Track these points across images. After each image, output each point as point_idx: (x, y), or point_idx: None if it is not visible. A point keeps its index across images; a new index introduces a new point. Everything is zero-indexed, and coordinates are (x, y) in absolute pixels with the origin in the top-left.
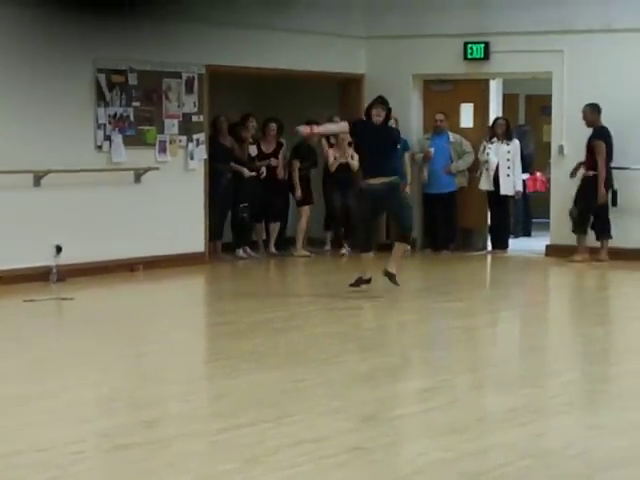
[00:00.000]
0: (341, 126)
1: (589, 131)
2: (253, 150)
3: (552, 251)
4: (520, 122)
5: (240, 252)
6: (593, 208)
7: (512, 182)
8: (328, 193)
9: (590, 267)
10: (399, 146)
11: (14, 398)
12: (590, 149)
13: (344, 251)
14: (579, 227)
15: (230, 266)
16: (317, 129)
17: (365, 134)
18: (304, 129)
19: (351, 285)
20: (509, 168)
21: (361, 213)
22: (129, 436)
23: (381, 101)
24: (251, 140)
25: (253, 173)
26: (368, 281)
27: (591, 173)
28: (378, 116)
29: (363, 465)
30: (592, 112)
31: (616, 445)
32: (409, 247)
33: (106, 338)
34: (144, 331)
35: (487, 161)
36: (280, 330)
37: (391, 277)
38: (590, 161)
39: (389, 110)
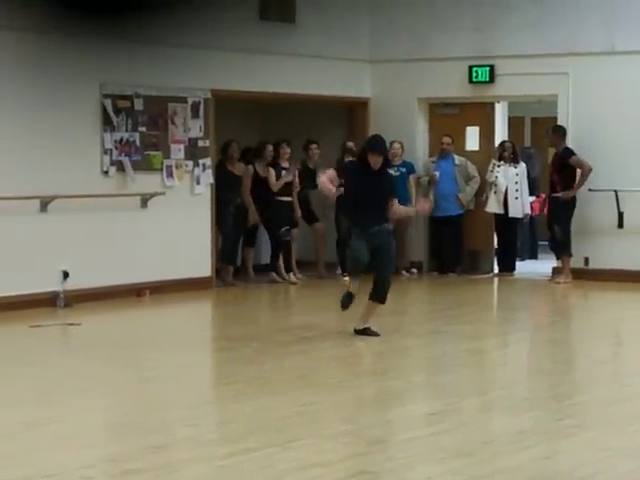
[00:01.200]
0: (329, 175)
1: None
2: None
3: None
4: (526, 145)
5: (291, 276)
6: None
7: (521, 205)
8: (338, 217)
9: (596, 289)
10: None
11: (21, 423)
12: (562, 168)
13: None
14: (565, 249)
15: (237, 291)
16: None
17: (357, 180)
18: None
19: (343, 307)
20: (517, 191)
21: (354, 256)
22: (137, 461)
23: (378, 148)
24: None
25: (257, 221)
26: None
27: (565, 194)
28: (376, 165)
29: None
30: (556, 134)
31: (625, 468)
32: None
33: (113, 363)
34: (151, 356)
35: (495, 184)
36: (286, 354)
37: (367, 331)
38: (564, 181)
39: (386, 154)
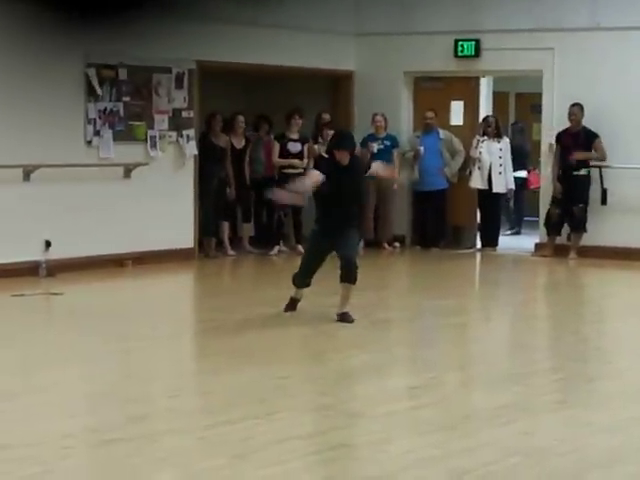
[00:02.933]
0: (311, 176)
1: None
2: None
3: (541, 249)
4: (511, 120)
5: (276, 249)
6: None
7: (504, 180)
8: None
9: (579, 265)
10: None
11: (2, 393)
12: (585, 146)
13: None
14: (583, 226)
15: (219, 262)
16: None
17: (327, 176)
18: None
19: (285, 310)
20: (501, 166)
21: (312, 243)
22: (117, 431)
23: (343, 145)
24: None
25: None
26: (297, 300)
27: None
28: (343, 160)
29: (350, 462)
30: (581, 112)
31: (606, 443)
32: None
33: (95, 333)
34: (133, 327)
35: (479, 159)
36: (268, 327)
37: (347, 317)
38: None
39: (353, 147)
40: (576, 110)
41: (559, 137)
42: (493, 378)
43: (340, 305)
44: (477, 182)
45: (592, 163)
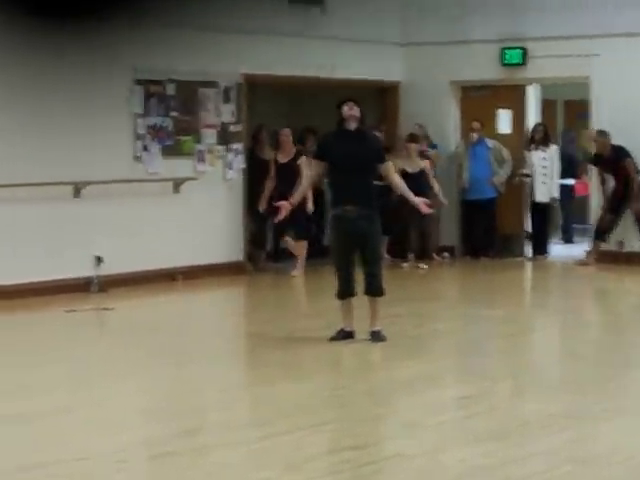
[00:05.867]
0: (311, 169)
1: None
2: None
3: (588, 256)
4: (559, 128)
5: (406, 264)
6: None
7: (548, 189)
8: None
9: (629, 272)
10: (382, 164)
11: (56, 408)
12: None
13: (405, 264)
14: (605, 235)
15: (270, 276)
16: (292, 199)
17: (333, 148)
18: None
19: (331, 339)
20: (545, 175)
21: (336, 248)
22: (170, 445)
23: (348, 99)
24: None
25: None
26: (351, 335)
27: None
28: (350, 111)
29: (403, 472)
30: (605, 138)
31: None
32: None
33: (146, 348)
34: (184, 341)
35: (529, 175)
36: (319, 339)
37: (378, 336)
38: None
39: (361, 109)
40: (602, 139)
41: (597, 161)
42: (545, 386)
43: (370, 322)
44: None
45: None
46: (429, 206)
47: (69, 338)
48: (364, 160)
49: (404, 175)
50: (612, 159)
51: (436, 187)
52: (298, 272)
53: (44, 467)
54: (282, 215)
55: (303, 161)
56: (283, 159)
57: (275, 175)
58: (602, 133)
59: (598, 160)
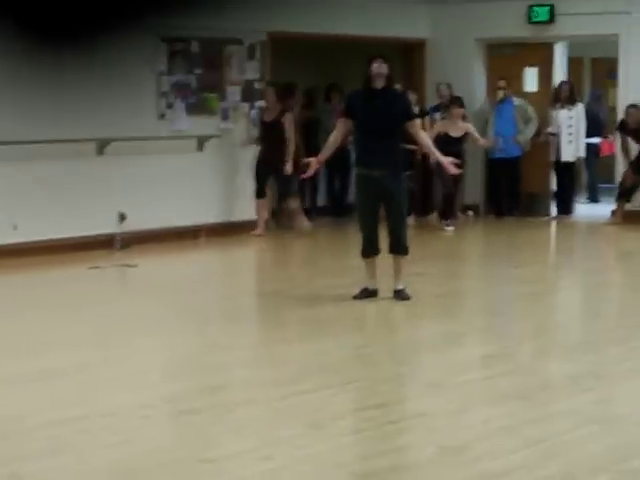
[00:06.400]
0: (337, 128)
1: None
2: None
3: (613, 217)
4: (586, 86)
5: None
6: None
7: (574, 148)
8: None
9: None
10: (410, 122)
11: (80, 364)
12: None
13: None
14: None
15: (294, 233)
16: (320, 156)
17: (360, 106)
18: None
19: (355, 297)
20: (571, 134)
21: (361, 206)
22: (194, 401)
23: (378, 56)
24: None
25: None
26: (374, 293)
27: None
28: (379, 69)
29: (426, 431)
30: (638, 111)
31: None
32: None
33: (169, 305)
34: (207, 299)
35: (555, 134)
36: (343, 297)
37: (402, 294)
38: None
39: (389, 66)
40: (633, 111)
41: (622, 127)
42: (568, 347)
43: (395, 281)
44: (552, 153)
45: None
46: (457, 166)
47: (92, 295)
48: (390, 120)
49: (447, 139)
50: (638, 129)
51: (482, 141)
52: (304, 224)
53: (72, 422)
54: (312, 171)
55: (288, 119)
56: (268, 117)
57: (260, 134)
58: (633, 106)
59: (624, 127)
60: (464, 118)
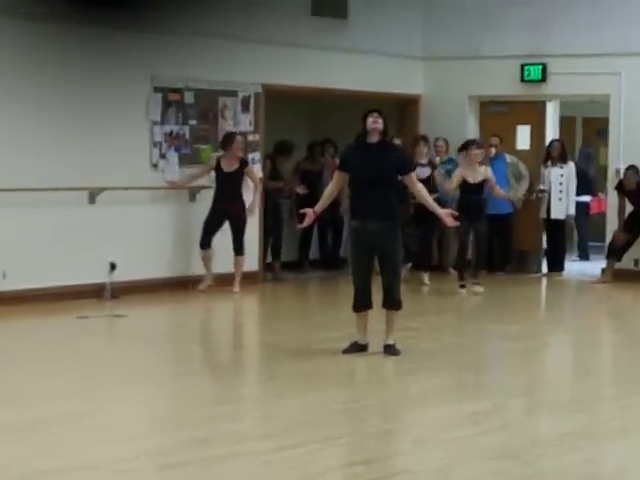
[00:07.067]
0: (333, 181)
1: None
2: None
3: (603, 275)
4: (577, 145)
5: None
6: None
7: (564, 206)
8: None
9: None
10: (406, 175)
11: (63, 415)
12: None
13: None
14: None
15: (284, 286)
16: (316, 208)
17: (355, 160)
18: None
19: (344, 351)
20: (561, 192)
21: (354, 260)
22: (179, 455)
23: (374, 109)
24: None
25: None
26: (364, 348)
27: None
28: (374, 124)
29: None
30: (636, 174)
31: None
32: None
33: (158, 356)
34: (196, 350)
35: (545, 190)
36: (333, 351)
37: (392, 350)
38: None
39: (385, 119)
40: (630, 174)
41: (620, 187)
42: (558, 404)
43: (386, 335)
44: (543, 211)
45: None
46: (455, 219)
47: (79, 345)
48: (385, 173)
49: (466, 187)
50: (635, 191)
51: (502, 192)
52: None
53: (55, 474)
54: (307, 222)
55: (250, 170)
56: (228, 167)
57: (218, 184)
58: (632, 167)
59: (622, 189)
60: (482, 162)
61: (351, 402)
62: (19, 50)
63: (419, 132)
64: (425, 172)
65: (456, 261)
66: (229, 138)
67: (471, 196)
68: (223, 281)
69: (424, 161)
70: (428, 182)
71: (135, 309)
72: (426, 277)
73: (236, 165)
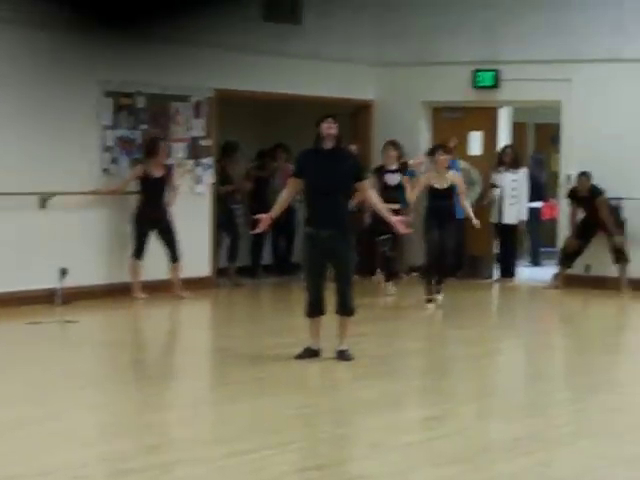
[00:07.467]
0: (288, 187)
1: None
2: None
3: (555, 280)
4: (529, 151)
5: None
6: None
7: (516, 211)
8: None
9: (600, 296)
10: (360, 183)
11: (15, 421)
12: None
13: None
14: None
15: (237, 291)
16: (271, 213)
17: (309, 167)
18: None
19: (297, 357)
20: (513, 197)
21: (307, 266)
22: (132, 461)
23: (329, 115)
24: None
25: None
26: (316, 353)
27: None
28: (329, 130)
29: None
30: (588, 181)
31: (622, 477)
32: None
33: (109, 362)
34: (147, 355)
35: (496, 196)
36: (285, 356)
37: (344, 355)
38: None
39: (338, 128)
40: (583, 180)
41: (573, 194)
42: (510, 409)
43: (339, 341)
44: (494, 216)
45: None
46: (406, 225)
47: (31, 351)
48: (339, 180)
49: (433, 193)
50: (587, 198)
51: (467, 205)
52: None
53: None
54: (263, 227)
55: (173, 174)
56: (158, 173)
57: (145, 190)
58: (584, 174)
59: (574, 195)
60: (449, 168)
61: (304, 407)
62: None
63: (371, 138)
64: (395, 179)
65: (423, 272)
66: (154, 144)
67: (439, 202)
68: (168, 287)
69: (394, 167)
70: (397, 189)
71: (87, 315)
72: (390, 286)
73: (163, 171)
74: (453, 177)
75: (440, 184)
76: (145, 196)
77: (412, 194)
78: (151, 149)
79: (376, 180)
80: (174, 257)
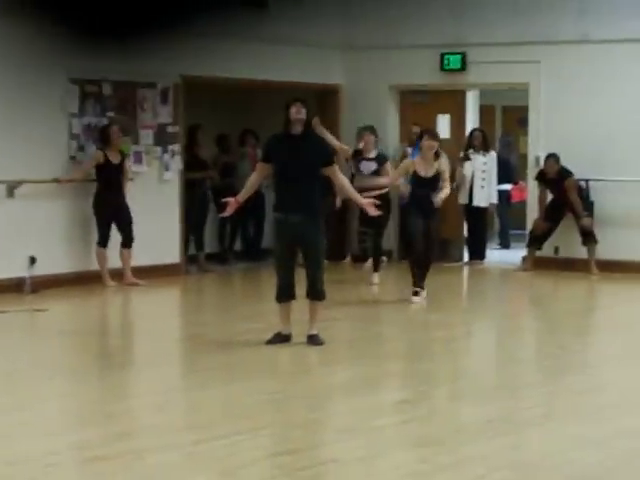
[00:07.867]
0: (256, 172)
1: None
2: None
3: (524, 263)
4: (497, 133)
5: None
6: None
7: (486, 194)
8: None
9: (569, 278)
10: (328, 167)
11: None
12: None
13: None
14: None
15: (206, 277)
16: (239, 197)
17: (278, 152)
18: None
19: (268, 342)
20: (484, 180)
21: (277, 251)
22: (103, 448)
23: (300, 99)
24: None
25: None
26: (287, 338)
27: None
28: (297, 114)
29: (339, 477)
30: (556, 163)
31: (593, 457)
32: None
33: (79, 350)
34: (118, 343)
35: (465, 176)
36: (256, 342)
37: (315, 340)
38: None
39: (308, 110)
40: (551, 162)
41: (541, 176)
42: (480, 392)
43: (309, 325)
44: (462, 197)
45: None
46: (378, 207)
47: None
48: (308, 165)
49: (417, 180)
50: (556, 180)
51: (443, 193)
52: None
53: None
54: (230, 211)
55: (128, 160)
56: (116, 159)
57: (105, 178)
58: (552, 156)
59: (542, 178)
60: (437, 155)
61: (275, 393)
62: None
63: (339, 122)
64: (371, 167)
65: (411, 264)
66: (107, 130)
67: (423, 190)
68: (138, 275)
69: (372, 155)
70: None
71: (56, 303)
72: (376, 276)
73: (119, 157)
74: (439, 165)
75: (425, 172)
76: (104, 183)
77: (395, 174)
78: (104, 136)
79: (351, 164)
80: (128, 242)
